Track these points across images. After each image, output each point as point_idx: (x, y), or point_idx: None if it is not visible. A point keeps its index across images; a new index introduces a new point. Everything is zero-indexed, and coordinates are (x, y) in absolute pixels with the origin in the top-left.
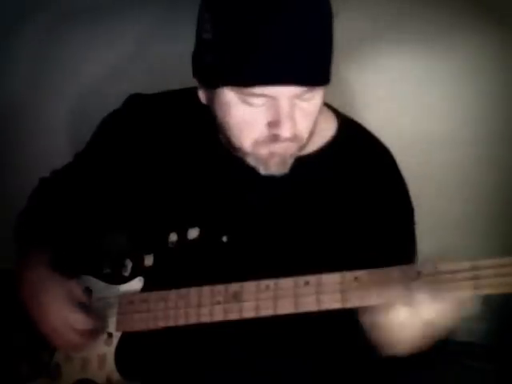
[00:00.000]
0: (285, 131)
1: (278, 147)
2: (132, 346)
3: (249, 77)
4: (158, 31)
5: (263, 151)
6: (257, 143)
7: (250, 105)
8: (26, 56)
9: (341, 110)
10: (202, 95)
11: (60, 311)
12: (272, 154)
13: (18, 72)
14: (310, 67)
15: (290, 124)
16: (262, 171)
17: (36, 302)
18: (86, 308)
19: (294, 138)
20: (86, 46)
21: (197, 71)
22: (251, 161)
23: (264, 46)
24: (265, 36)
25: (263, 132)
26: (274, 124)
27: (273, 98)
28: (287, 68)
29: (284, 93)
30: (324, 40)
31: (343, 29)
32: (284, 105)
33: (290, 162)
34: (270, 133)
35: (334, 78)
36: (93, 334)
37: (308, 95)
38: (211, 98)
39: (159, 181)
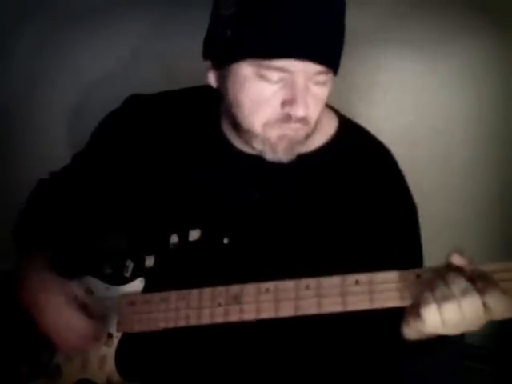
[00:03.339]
0: (299, 110)
1: (289, 128)
2: (132, 347)
3: (271, 48)
4: (158, 31)
5: (273, 133)
6: (267, 124)
7: (267, 80)
8: (25, 56)
9: (341, 109)
10: (212, 77)
11: (62, 314)
12: (281, 137)
13: (18, 72)
14: (331, 47)
15: (304, 103)
16: (269, 156)
17: (37, 304)
18: (88, 311)
19: (305, 120)
20: (86, 46)
21: (211, 50)
22: (259, 145)
23: (288, 18)
24: (290, 9)
25: (276, 111)
26: (288, 102)
27: (290, 75)
28: (310, 43)
29: (302, 69)
30: (341, 27)
31: (345, 29)
32: (300, 83)
33: (297, 148)
34: (283, 112)
35: (334, 78)
36: (95, 337)
37: (322, 78)
38: (224, 77)
39: (160, 181)
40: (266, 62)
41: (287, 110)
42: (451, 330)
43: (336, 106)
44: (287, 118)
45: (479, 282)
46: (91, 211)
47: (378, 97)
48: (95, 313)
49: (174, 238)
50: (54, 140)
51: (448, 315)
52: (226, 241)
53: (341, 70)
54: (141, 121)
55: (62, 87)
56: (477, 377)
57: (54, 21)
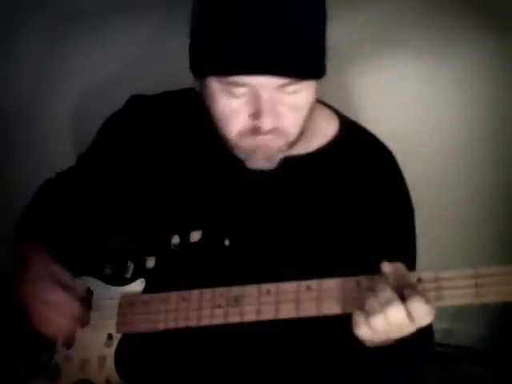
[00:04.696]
0: (265, 123)
1: (261, 140)
2: (132, 348)
3: (227, 65)
4: (160, 32)
5: (248, 143)
6: (241, 135)
7: (233, 95)
8: (26, 57)
9: (341, 111)
10: (196, 85)
11: (41, 289)
12: (257, 147)
13: (18, 73)
14: (291, 58)
15: (270, 116)
16: (249, 165)
17: (26, 283)
18: (75, 293)
19: (277, 131)
20: (88, 47)
21: (190, 62)
22: (239, 153)
23: (242, 34)
24: (243, 25)
25: (246, 123)
26: (255, 116)
27: (254, 89)
28: (265, 58)
29: (264, 83)
30: (309, 32)
31: (344, 30)
32: (265, 96)
33: (277, 157)
34: (252, 124)
35: (334, 79)
36: (80, 319)
37: (292, 88)
38: (201, 89)
39: (162, 182)
40: (227, 78)
41: (255, 122)
42: (382, 337)
43: (335, 106)
44: (257, 131)
45: (404, 290)
46: (93, 212)
47: (378, 97)
48: (80, 297)
49: (175, 239)
50: (56, 141)
51: (375, 324)
52: (227, 242)
53: (341, 71)
54: (143, 121)
55: (63, 88)
56: (476, 381)
57: (54, 22)
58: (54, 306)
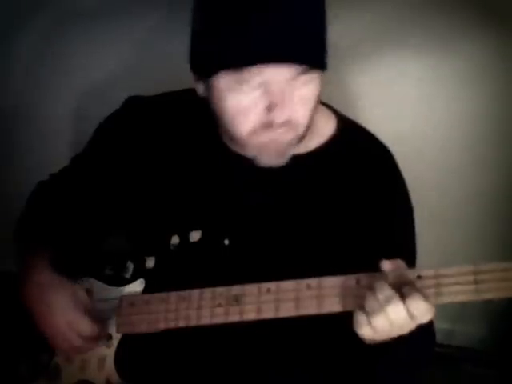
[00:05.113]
0: (279, 115)
1: (275, 134)
2: (132, 349)
3: (242, 57)
4: (160, 32)
5: (260, 139)
6: (253, 131)
7: (244, 90)
8: (26, 57)
9: (341, 110)
10: (199, 88)
11: (66, 315)
12: (270, 142)
13: (18, 73)
14: (305, 45)
15: (284, 107)
16: (262, 162)
17: (42, 305)
18: (91, 313)
19: (289, 124)
20: (88, 47)
21: (193, 63)
22: (249, 151)
23: (256, 24)
24: (257, 14)
25: (259, 118)
26: (268, 108)
27: (267, 81)
28: (281, 45)
29: (278, 74)
30: (318, 22)
31: (344, 29)
32: (278, 88)
33: (288, 152)
34: (265, 118)
35: (333, 78)
36: (97, 339)
37: (304, 78)
38: (208, 89)
39: (160, 183)
40: (239, 72)
41: (269, 116)
42: (384, 336)
43: (335, 106)
44: (270, 124)
45: (403, 287)
46: (92, 212)
47: (378, 96)
48: (98, 317)
49: (175, 239)
50: (56, 141)
51: (376, 324)
52: (226, 242)
53: (340, 70)
54: (140, 122)
55: (63, 88)
56: (478, 382)
57: (54, 22)
58: (77, 331)
